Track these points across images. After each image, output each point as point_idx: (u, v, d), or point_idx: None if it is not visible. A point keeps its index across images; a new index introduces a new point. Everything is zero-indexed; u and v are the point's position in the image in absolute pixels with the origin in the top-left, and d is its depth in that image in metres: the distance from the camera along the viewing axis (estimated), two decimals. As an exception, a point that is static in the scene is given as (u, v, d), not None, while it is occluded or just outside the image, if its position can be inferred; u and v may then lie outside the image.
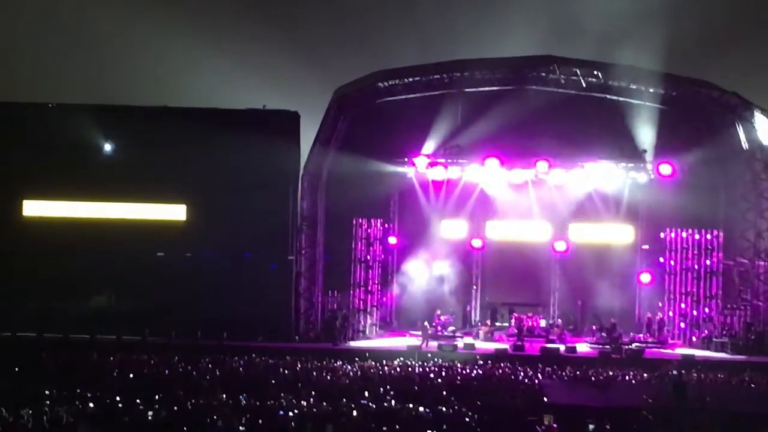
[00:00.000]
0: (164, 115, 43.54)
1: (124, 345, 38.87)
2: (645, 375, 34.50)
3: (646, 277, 46.76)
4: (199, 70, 48.74)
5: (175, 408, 23.57)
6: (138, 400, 24.24)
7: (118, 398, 24.59)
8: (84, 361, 33.69)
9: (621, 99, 45.49)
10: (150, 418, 22.42)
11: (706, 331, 44.76)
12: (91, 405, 23.57)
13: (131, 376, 30.02)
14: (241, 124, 43.02)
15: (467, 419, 23.97)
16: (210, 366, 32.89)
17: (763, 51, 50.54)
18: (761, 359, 40.43)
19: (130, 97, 44.66)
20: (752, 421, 24.50)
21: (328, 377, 31.32)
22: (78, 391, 25.62)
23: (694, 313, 45.55)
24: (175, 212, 44.65)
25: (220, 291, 42.45)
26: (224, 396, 25.55)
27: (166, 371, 31.74)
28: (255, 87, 46.18)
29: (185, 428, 20.96)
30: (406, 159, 46.26)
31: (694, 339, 45.00)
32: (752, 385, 33.18)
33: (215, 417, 22.47)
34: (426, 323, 44.19)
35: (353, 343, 43.02)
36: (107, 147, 44.20)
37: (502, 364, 36.21)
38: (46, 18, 51.62)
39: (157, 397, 24.98)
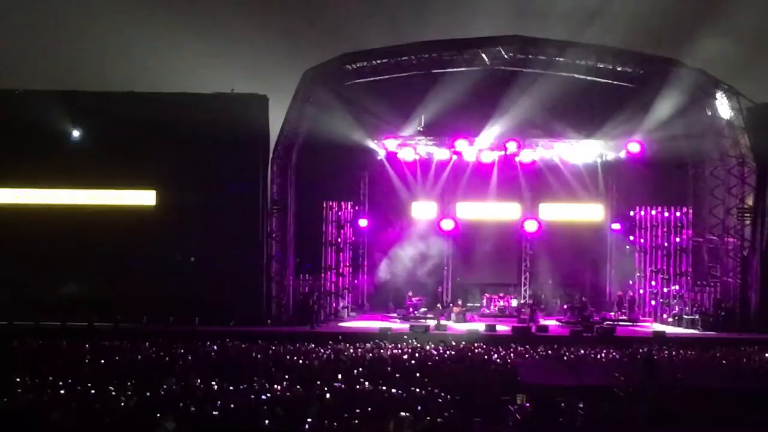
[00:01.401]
0: (132, 101, 43.23)
1: (95, 332, 38.65)
2: (616, 353, 34.63)
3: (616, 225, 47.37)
4: (166, 54, 48.37)
5: (148, 394, 23.51)
6: (110, 387, 24.15)
7: (90, 385, 24.49)
8: (55, 348, 33.53)
9: (589, 78, 45.57)
10: (122, 404, 22.34)
11: (676, 308, 45.06)
12: (63, 392, 23.50)
13: (103, 362, 29.93)
14: (209, 108, 42.84)
15: (440, 400, 24.00)
16: (182, 351, 32.82)
17: (730, 28, 50.71)
18: (731, 335, 40.66)
19: (97, 82, 44.31)
20: (723, 397, 24.66)
21: (301, 361, 31.29)
22: (50, 378, 25.51)
23: (665, 290, 45.84)
24: (145, 198, 44.37)
25: (191, 276, 42.31)
26: (197, 381, 25.51)
27: (138, 357, 31.66)
28: (223, 71, 45.91)
29: (158, 414, 20.88)
30: (375, 141, 46.30)
31: (664, 316, 45.28)
32: (723, 361, 33.37)
33: (188, 402, 22.42)
34: (439, 305, 44.76)
35: (325, 326, 42.97)
36: (75, 133, 43.84)
37: (474, 345, 36.29)
38: (10, 3, 51.18)
39: (129, 383, 24.90)
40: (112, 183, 44.08)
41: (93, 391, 23.78)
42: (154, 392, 23.79)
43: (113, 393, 23.53)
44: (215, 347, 34.46)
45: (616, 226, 47.98)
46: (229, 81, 43.81)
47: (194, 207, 43.03)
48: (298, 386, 25.08)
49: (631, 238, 47.25)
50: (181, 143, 42.91)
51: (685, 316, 44.07)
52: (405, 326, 42.11)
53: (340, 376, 27.12)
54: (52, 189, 44.40)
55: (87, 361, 30.34)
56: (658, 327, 43.22)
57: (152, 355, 32.24)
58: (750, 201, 43.65)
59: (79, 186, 44.25)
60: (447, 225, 47.31)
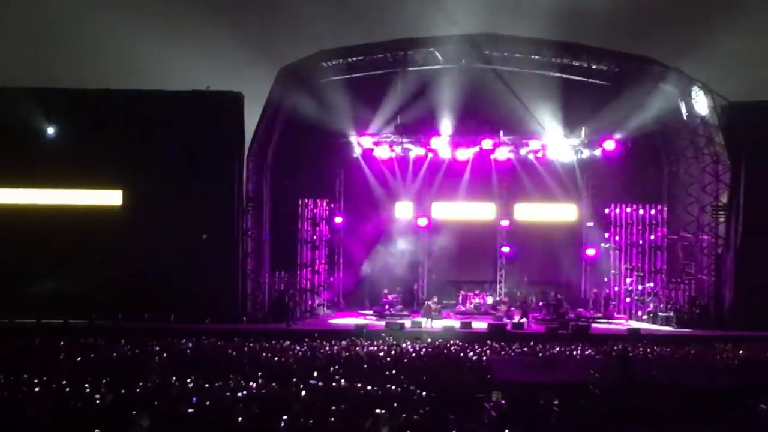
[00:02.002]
0: (106, 98, 43.01)
1: (70, 329, 38.50)
2: (591, 350, 34.72)
3: (591, 251, 47.32)
4: (140, 51, 48.22)
5: (123, 392, 23.45)
6: (86, 385, 24.07)
7: (65, 383, 24.41)
8: (30, 346, 33.40)
9: (564, 76, 45.70)
10: (98, 402, 22.27)
11: (651, 306, 45.23)
12: (38, 390, 23.41)
13: (78, 360, 29.82)
14: (184, 106, 42.72)
15: (415, 397, 24.01)
16: (158, 349, 32.73)
17: (704, 26, 50.96)
18: (705, 332, 40.86)
19: (70, 79, 44.07)
20: (697, 394, 24.78)
21: (276, 358, 31.26)
22: (25, 376, 25.41)
23: (640, 287, 46.03)
24: (114, 197, 44.13)
25: (166, 274, 42.16)
26: (173, 378, 25.45)
27: (114, 355, 31.56)
28: (198, 68, 45.77)
29: (134, 412, 20.83)
30: (351, 138, 46.27)
31: (639, 313, 45.47)
32: (697, 358, 33.50)
33: (163, 400, 22.37)
34: (434, 300, 44.70)
35: (301, 324, 42.91)
36: (47, 131, 43.54)
37: (450, 342, 36.31)
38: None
39: (104, 381, 24.82)
40: (82, 182, 43.79)
41: (68, 389, 23.70)
42: (130, 390, 23.73)
43: (88, 390, 23.45)
44: (190, 344, 34.38)
45: (590, 224, 48.18)
46: (205, 78, 43.68)
47: (169, 205, 42.86)
48: (273, 384, 25.05)
49: (606, 235, 47.37)
50: (156, 141, 42.78)
51: (660, 314, 44.25)
52: (381, 323, 42.12)
53: (315, 374, 27.10)
54: (20, 189, 44.10)
55: (62, 358, 30.24)
56: (632, 324, 43.32)
57: (127, 352, 32.13)
58: (724, 199, 43.82)
59: (48, 185, 43.90)
60: (422, 222, 47.46)
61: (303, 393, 23.62)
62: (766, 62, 48.03)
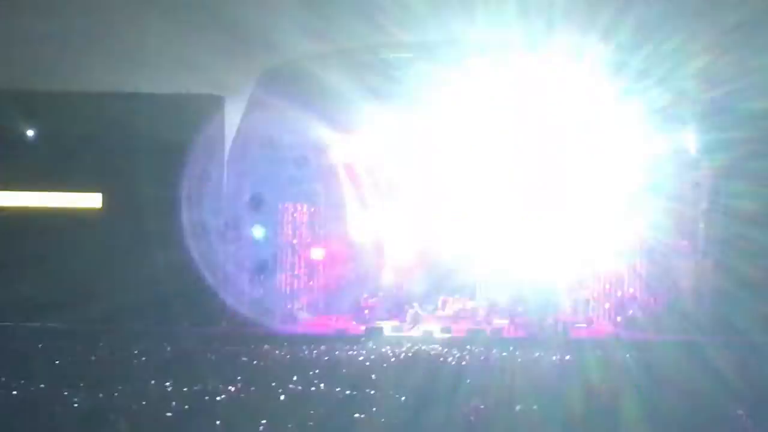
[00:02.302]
0: (83, 100, 42.88)
1: (49, 332, 38.39)
2: (570, 355, 34.79)
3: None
4: (120, 53, 48.19)
5: (101, 395, 23.39)
6: (64, 388, 24.00)
7: (43, 386, 24.34)
8: (7, 349, 33.27)
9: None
10: (76, 405, 22.22)
11: (630, 311, 45.23)
12: (15, 393, 23.33)
13: (56, 363, 29.74)
14: (164, 109, 42.64)
15: (394, 402, 24.01)
16: (136, 352, 32.66)
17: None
18: (684, 338, 40.93)
19: (48, 81, 43.92)
20: (675, 398, 24.84)
21: (255, 362, 31.23)
22: (2, 379, 25.33)
23: (619, 293, 46.01)
24: (93, 200, 44.01)
25: (145, 277, 42.06)
26: (152, 382, 25.40)
27: (93, 358, 31.47)
28: (179, 71, 45.74)
29: (112, 415, 20.77)
30: (332, 143, 46.16)
31: (618, 319, 45.43)
32: (675, 364, 33.60)
33: (142, 403, 22.32)
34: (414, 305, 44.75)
35: (281, 328, 42.85)
36: (25, 133, 43.36)
37: (429, 347, 36.33)
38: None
39: (82, 384, 24.76)
40: (59, 185, 43.67)
41: (46, 393, 23.64)
42: (108, 393, 23.67)
43: (66, 394, 23.38)
44: (169, 348, 34.32)
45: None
46: (185, 81, 43.61)
47: (147, 208, 42.75)
48: (252, 388, 25.02)
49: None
50: (135, 144, 42.71)
51: (639, 319, 44.26)
52: (360, 328, 42.08)
53: (295, 378, 27.09)
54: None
55: (40, 362, 30.14)
56: (612, 329, 43.39)
57: (106, 356, 32.05)
58: (704, 203, 43.93)
59: (24, 188, 43.78)
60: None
61: (282, 397, 23.63)
62: None
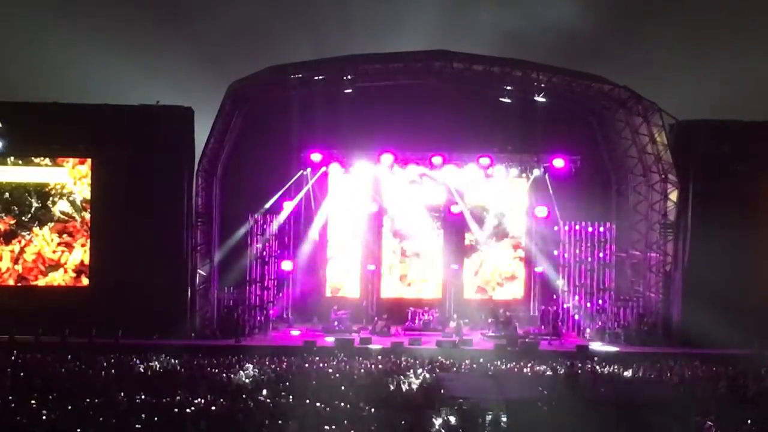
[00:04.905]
0: (54, 111, 42.65)
1: (17, 344, 38.16)
2: (540, 367, 34.87)
3: (539, 268, 47.56)
4: (90, 65, 47.98)
5: (70, 407, 23.28)
6: (32, 400, 23.89)
7: (11, 398, 24.21)
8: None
9: (514, 93, 46.00)
10: (44, 417, 22.11)
11: (599, 323, 45.35)
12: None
13: (24, 375, 29.59)
14: (133, 120, 42.52)
15: (364, 414, 24.01)
16: (105, 365, 32.53)
17: (652, 45, 51.58)
18: (653, 350, 41.08)
19: (18, 92, 43.66)
20: (644, 410, 24.93)
21: (225, 374, 31.17)
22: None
23: (588, 305, 46.16)
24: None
25: (114, 289, 41.91)
26: (120, 394, 25.30)
27: (62, 370, 31.34)
28: (148, 83, 45.59)
29: (79, 428, 20.70)
30: (301, 154, 46.11)
31: (588, 331, 45.54)
32: (644, 375, 33.72)
33: (111, 416, 22.24)
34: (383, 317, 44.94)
35: (250, 340, 42.71)
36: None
37: (401, 359, 36.34)
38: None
39: (51, 396, 24.64)
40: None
41: (14, 405, 23.51)
42: (77, 405, 23.57)
43: (35, 406, 23.27)
44: (138, 360, 34.20)
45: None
46: (154, 93, 43.43)
47: (117, 220, 42.63)
48: (222, 400, 24.97)
49: (556, 252, 47.44)
50: (104, 155, 42.62)
51: (608, 331, 44.37)
52: (330, 340, 42.03)
53: (264, 391, 27.06)
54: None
55: (8, 373, 29.99)
56: (581, 341, 43.49)
57: (75, 368, 31.92)
58: (672, 217, 44.20)
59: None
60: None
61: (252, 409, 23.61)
62: (715, 81, 48.50)
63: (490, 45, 47.33)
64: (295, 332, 45.21)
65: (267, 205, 45.57)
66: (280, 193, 45.90)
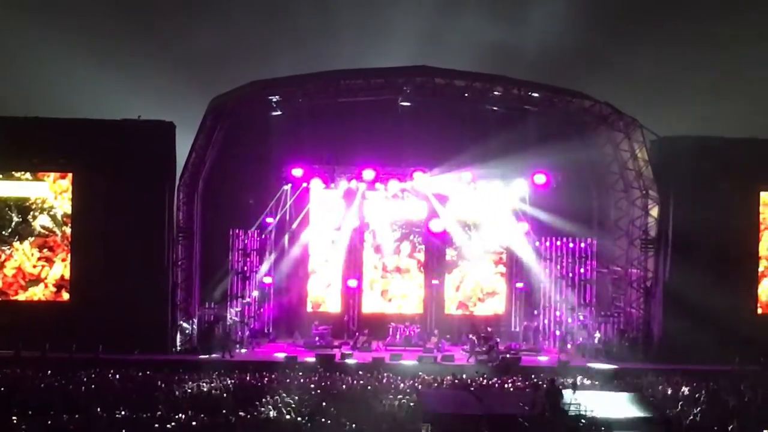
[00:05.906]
0: (36, 126, 42.55)
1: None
2: (521, 383, 34.85)
3: (520, 284, 47.68)
4: (71, 80, 47.92)
5: (50, 423, 23.20)
6: (12, 416, 23.79)
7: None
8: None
9: (496, 108, 46.14)
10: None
11: (580, 339, 45.40)
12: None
13: (3, 391, 29.44)
14: (115, 135, 42.44)
15: (346, 429, 23.96)
16: (85, 380, 32.40)
17: (634, 62, 51.82)
18: (634, 365, 41.11)
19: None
20: (625, 426, 24.96)
21: (206, 389, 31.08)
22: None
23: (569, 320, 46.22)
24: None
25: (94, 303, 41.76)
26: (99, 410, 25.21)
27: (42, 386, 31.19)
28: (130, 97, 45.54)
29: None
30: (283, 169, 46.12)
31: (568, 346, 45.58)
32: (625, 391, 33.73)
33: (91, 431, 22.18)
34: (473, 337, 44.19)
35: (230, 355, 42.60)
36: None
37: (380, 374, 36.29)
38: None
39: (30, 412, 24.54)
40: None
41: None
42: (57, 421, 23.49)
43: (15, 421, 23.18)
44: (118, 376, 34.07)
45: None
46: (136, 108, 43.33)
47: (98, 234, 42.53)
48: (202, 415, 24.90)
49: (537, 268, 47.48)
50: (86, 170, 42.55)
51: (589, 347, 44.43)
52: (311, 355, 41.94)
53: (247, 407, 27.00)
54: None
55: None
56: (562, 357, 43.50)
57: (55, 383, 31.78)
58: (653, 233, 44.33)
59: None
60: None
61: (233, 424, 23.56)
62: (695, 97, 48.78)
63: (473, 59, 47.60)
64: (275, 348, 45.11)
65: (254, 228, 45.80)
66: (266, 212, 46.12)
